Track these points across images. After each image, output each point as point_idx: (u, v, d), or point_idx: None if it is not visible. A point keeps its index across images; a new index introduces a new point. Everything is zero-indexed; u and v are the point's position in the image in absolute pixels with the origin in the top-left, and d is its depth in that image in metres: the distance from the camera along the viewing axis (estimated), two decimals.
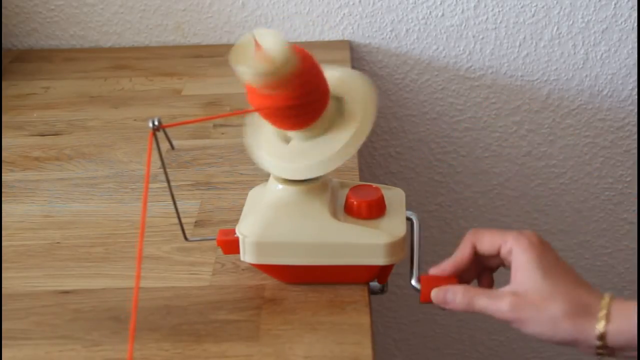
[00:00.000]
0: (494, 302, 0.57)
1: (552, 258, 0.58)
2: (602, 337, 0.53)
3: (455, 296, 0.59)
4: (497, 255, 0.61)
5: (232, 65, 0.52)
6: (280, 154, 0.59)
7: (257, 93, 0.55)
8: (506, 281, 0.59)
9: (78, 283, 0.63)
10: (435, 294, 0.60)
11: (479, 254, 0.62)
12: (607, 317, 0.54)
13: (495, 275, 0.66)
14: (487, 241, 0.61)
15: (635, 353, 0.54)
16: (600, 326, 0.53)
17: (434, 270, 0.62)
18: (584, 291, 0.56)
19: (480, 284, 0.64)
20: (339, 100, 0.59)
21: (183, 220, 0.61)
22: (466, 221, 1.30)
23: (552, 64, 1.18)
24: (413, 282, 0.61)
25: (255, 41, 0.53)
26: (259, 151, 0.60)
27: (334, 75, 0.58)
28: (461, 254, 0.62)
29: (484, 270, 0.64)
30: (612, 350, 0.54)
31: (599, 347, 0.54)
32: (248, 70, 0.52)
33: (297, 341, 0.55)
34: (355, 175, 0.77)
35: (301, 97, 0.54)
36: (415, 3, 1.13)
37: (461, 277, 0.62)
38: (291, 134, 0.58)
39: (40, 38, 1.16)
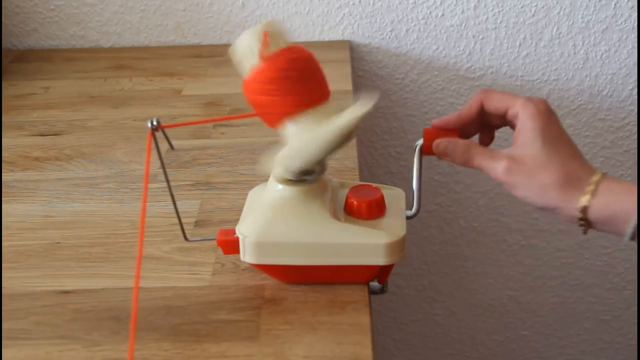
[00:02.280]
0: (491, 162, 0.59)
1: (555, 128, 0.59)
2: (584, 210, 0.56)
3: (456, 149, 0.61)
4: (503, 115, 0.62)
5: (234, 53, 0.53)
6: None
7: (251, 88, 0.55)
8: (507, 145, 0.60)
9: (78, 283, 0.63)
10: (437, 144, 0.62)
11: (486, 112, 0.63)
12: (593, 193, 0.55)
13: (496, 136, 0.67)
14: (496, 101, 0.62)
15: (610, 228, 0.56)
16: (584, 199, 0.55)
17: (438, 122, 0.63)
18: (578, 164, 0.58)
19: (481, 140, 0.66)
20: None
21: (183, 220, 0.61)
22: (466, 221, 1.30)
23: (552, 64, 1.18)
24: (418, 143, 0.63)
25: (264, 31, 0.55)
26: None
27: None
28: (468, 109, 0.63)
29: (487, 127, 0.65)
30: (590, 224, 0.56)
31: (579, 219, 0.56)
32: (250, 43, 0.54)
33: (297, 341, 0.55)
34: (355, 175, 0.77)
35: (280, 83, 0.55)
36: (415, 3, 1.14)
37: (464, 131, 0.63)
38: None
39: (40, 38, 1.16)
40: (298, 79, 0.56)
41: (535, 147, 0.58)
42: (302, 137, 0.56)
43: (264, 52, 0.55)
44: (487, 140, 0.66)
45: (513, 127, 0.61)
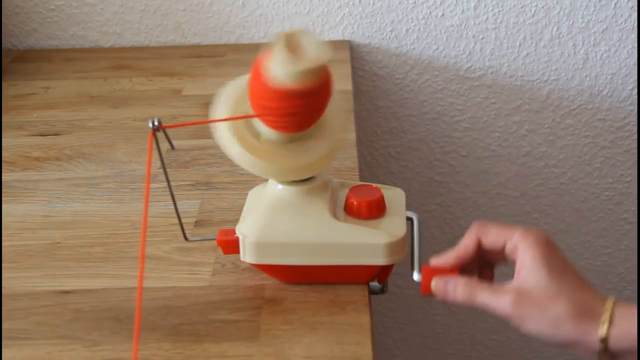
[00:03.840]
0: (496, 298, 0.56)
1: (558, 257, 0.57)
2: (604, 340, 0.52)
3: (457, 288, 0.57)
4: (502, 250, 0.59)
5: (265, 67, 0.52)
6: (256, 150, 0.58)
7: (265, 95, 0.55)
8: (506, 277, 0.58)
9: (78, 283, 0.63)
10: (436, 284, 0.59)
11: (483, 248, 0.60)
12: (610, 321, 0.53)
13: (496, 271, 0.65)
14: (493, 235, 0.59)
15: (635, 358, 0.53)
16: (603, 329, 0.53)
17: (436, 261, 0.61)
18: (588, 293, 0.55)
19: (480, 278, 0.63)
20: None
21: (183, 220, 0.61)
22: (466, 221, 1.30)
23: (552, 64, 1.18)
24: (415, 276, 0.60)
25: (289, 40, 0.52)
26: (234, 147, 0.58)
27: None
28: (465, 246, 0.60)
29: (485, 264, 0.63)
30: (612, 355, 0.53)
31: (600, 351, 0.53)
32: (287, 68, 0.52)
33: (297, 341, 0.55)
34: (355, 175, 0.77)
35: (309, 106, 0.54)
36: (415, 3, 1.14)
37: (462, 269, 0.61)
38: (267, 133, 0.57)
39: (40, 38, 1.16)
40: (310, 111, 0.55)
41: (542, 277, 0.55)
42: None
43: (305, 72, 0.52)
44: (485, 279, 0.63)
45: (512, 261, 0.59)
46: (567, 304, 0.54)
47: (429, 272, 0.60)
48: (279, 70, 0.52)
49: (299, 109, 0.54)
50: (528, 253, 0.56)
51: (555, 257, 0.56)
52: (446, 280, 0.58)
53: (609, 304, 0.54)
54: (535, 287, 0.55)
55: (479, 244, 0.60)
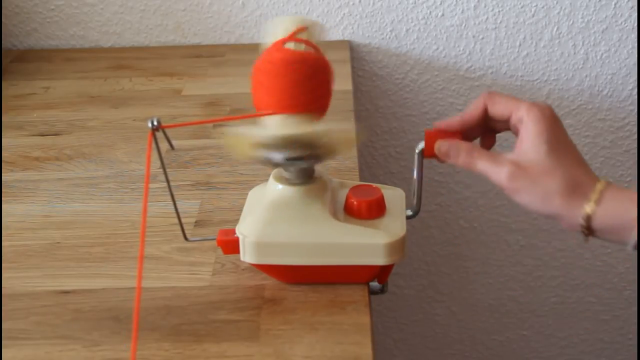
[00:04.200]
0: (494, 167, 0.58)
1: (559, 134, 0.58)
2: (587, 218, 0.55)
3: (459, 152, 0.60)
4: (507, 120, 0.61)
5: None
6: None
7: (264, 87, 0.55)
8: (507, 146, 0.60)
9: (78, 283, 0.63)
10: (439, 145, 0.61)
11: (489, 116, 0.62)
12: (597, 201, 0.55)
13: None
14: (501, 105, 0.61)
15: (613, 237, 0.55)
16: (588, 208, 0.55)
17: (439, 124, 0.62)
18: (582, 172, 0.57)
19: (482, 144, 0.65)
20: None
21: (183, 220, 0.61)
22: (466, 221, 1.30)
23: (552, 64, 1.18)
24: (419, 146, 0.62)
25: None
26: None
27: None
28: (471, 112, 0.62)
29: (489, 131, 0.64)
30: (592, 232, 0.56)
31: (582, 227, 0.55)
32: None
33: (297, 341, 0.55)
34: (355, 175, 0.77)
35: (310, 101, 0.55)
36: (415, 3, 1.14)
37: (466, 134, 0.62)
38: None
39: (40, 38, 1.16)
40: (306, 79, 0.55)
41: (540, 153, 0.57)
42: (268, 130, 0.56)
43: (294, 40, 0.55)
44: (488, 144, 0.65)
45: (516, 132, 0.60)
46: (560, 180, 0.56)
47: (432, 135, 0.61)
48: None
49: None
50: (532, 127, 0.58)
51: (557, 133, 0.58)
52: (450, 143, 0.60)
53: (600, 185, 0.56)
54: (532, 161, 0.57)
55: (485, 112, 0.62)
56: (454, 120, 0.62)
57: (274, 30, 0.57)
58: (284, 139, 0.55)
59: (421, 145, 0.63)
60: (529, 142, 0.58)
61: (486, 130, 0.64)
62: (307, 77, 0.56)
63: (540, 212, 0.57)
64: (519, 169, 0.57)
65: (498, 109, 0.61)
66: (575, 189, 0.56)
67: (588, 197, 0.55)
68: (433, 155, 0.62)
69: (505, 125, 0.62)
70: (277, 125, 0.56)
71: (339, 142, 0.56)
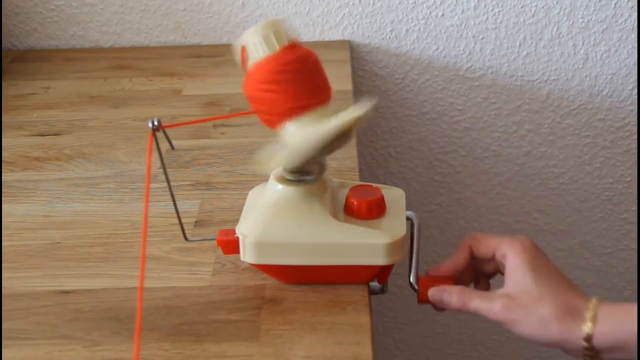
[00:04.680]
0: (487, 303, 0.59)
1: (543, 262, 0.60)
2: (588, 338, 0.55)
3: (451, 296, 0.61)
4: (493, 259, 0.63)
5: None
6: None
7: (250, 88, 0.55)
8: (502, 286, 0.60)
9: (78, 283, 0.63)
10: (432, 293, 0.62)
11: (476, 258, 0.64)
12: (594, 319, 0.55)
13: (493, 282, 0.67)
14: (483, 245, 0.63)
15: (620, 355, 0.55)
16: (587, 328, 0.55)
17: (432, 272, 0.64)
18: (573, 294, 0.57)
19: (477, 289, 0.66)
20: None
21: (183, 220, 0.61)
22: (466, 221, 1.30)
23: (552, 64, 1.18)
24: (411, 280, 0.63)
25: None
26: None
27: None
28: (458, 257, 0.64)
29: (481, 276, 0.66)
30: (597, 352, 0.55)
31: (585, 349, 0.55)
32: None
33: (297, 341, 0.55)
34: (355, 175, 0.77)
35: (291, 100, 0.55)
36: (415, 3, 1.14)
37: (458, 281, 0.64)
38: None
39: (40, 38, 1.16)
40: (300, 77, 0.56)
41: (528, 282, 0.58)
42: (299, 136, 0.56)
43: (267, 49, 0.55)
44: (482, 289, 0.66)
45: (503, 268, 0.62)
46: (552, 305, 0.56)
47: (426, 282, 0.63)
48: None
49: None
50: (515, 260, 0.59)
51: (540, 261, 0.59)
52: (442, 289, 0.61)
53: (592, 303, 0.56)
54: (522, 291, 0.58)
55: (471, 255, 0.64)
56: (444, 267, 0.64)
57: (251, 41, 0.56)
58: (349, 123, 0.55)
59: (413, 279, 0.63)
60: (514, 274, 0.59)
61: (478, 276, 0.66)
62: (318, 69, 0.57)
63: (542, 341, 0.57)
64: (510, 300, 0.58)
65: (482, 249, 0.63)
66: (569, 311, 0.56)
67: (584, 317, 0.55)
68: (427, 302, 0.63)
69: (492, 265, 0.64)
70: (307, 125, 0.56)
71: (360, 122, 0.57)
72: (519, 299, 0.57)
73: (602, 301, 0.56)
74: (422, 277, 0.63)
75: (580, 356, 0.56)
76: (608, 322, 0.55)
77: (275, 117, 0.56)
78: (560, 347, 0.57)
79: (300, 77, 0.56)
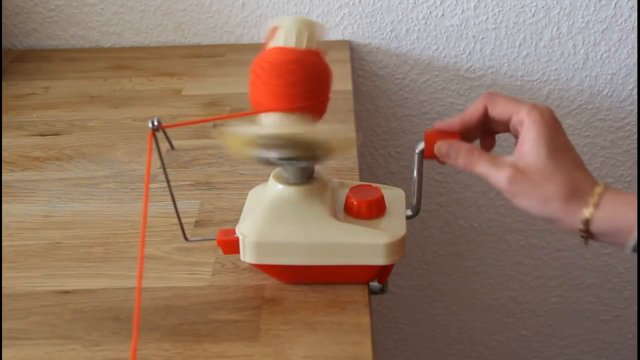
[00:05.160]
0: (494, 170, 0.58)
1: (559, 138, 0.58)
2: (586, 222, 0.55)
3: (459, 153, 0.60)
4: (507, 122, 0.61)
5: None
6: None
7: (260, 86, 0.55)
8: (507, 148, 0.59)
9: (78, 283, 0.63)
10: (439, 146, 0.61)
11: (489, 117, 0.62)
12: (596, 205, 0.55)
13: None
14: (501, 106, 0.60)
15: (612, 239, 0.55)
16: (587, 212, 0.55)
17: (439, 125, 0.62)
18: (582, 176, 0.57)
19: (482, 145, 0.65)
20: None
21: (183, 220, 0.61)
22: (466, 221, 1.30)
23: (552, 64, 1.18)
24: (418, 146, 0.62)
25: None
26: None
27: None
28: (471, 113, 0.62)
29: (489, 132, 0.64)
30: (591, 235, 0.56)
31: (581, 230, 0.56)
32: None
33: (297, 341, 0.55)
34: (355, 175, 0.77)
35: (306, 100, 0.55)
36: (415, 3, 1.14)
37: (465, 135, 0.62)
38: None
39: (40, 38, 1.16)
40: (304, 80, 0.55)
41: (540, 156, 0.57)
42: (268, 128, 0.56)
43: (294, 42, 0.55)
44: (488, 145, 0.65)
45: (516, 134, 0.60)
46: (559, 185, 0.56)
47: (432, 136, 0.61)
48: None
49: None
50: (532, 130, 0.57)
51: (557, 137, 0.58)
52: (449, 143, 0.60)
53: (599, 189, 0.56)
54: (532, 165, 0.57)
55: (485, 113, 0.61)
56: (453, 121, 0.62)
57: (276, 30, 0.57)
58: (278, 137, 0.55)
59: (421, 145, 0.62)
60: (528, 145, 0.57)
61: (486, 132, 0.64)
62: (305, 79, 0.56)
63: (539, 216, 0.57)
64: (518, 172, 0.57)
65: (498, 111, 0.61)
66: (574, 193, 0.56)
67: (587, 201, 0.55)
68: (433, 156, 0.62)
69: (505, 127, 0.62)
70: (273, 124, 0.57)
71: (336, 144, 0.56)
72: (528, 173, 0.56)
73: (608, 188, 0.56)
74: (429, 132, 0.62)
75: (573, 233, 0.57)
76: (608, 209, 0.54)
77: (266, 103, 0.56)
78: (556, 224, 0.57)
79: (306, 79, 0.56)
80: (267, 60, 0.56)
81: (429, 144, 0.62)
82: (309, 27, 0.57)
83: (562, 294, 1.37)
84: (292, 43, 0.56)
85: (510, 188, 0.57)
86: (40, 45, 1.17)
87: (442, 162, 0.62)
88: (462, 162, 0.60)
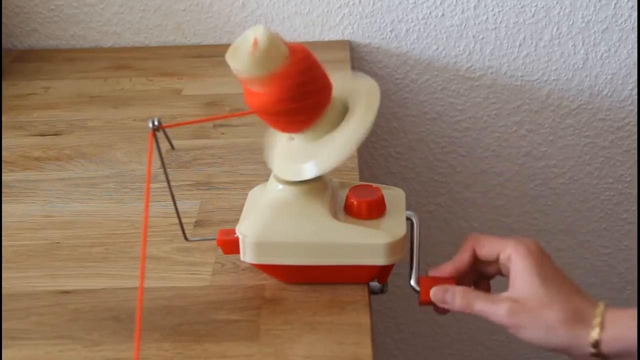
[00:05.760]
0: (492, 307, 0.58)
1: (549, 266, 0.59)
2: (596, 344, 0.54)
3: (454, 297, 0.60)
4: (496, 261, 0.62)
5: (227, 61, 0.53)
6: (283, 154, 0.59)
7: (253, 93, 0.55)
8: (502, 290, 0.60)
9: (78, 283, 0.63)
10: (435, 292, 0.61)
11: (478, 259, 0.63)
12: (602, 325, 0.54)
13: (492, 283, 0.67)
14: (487, 247, 0.62)
15: (630, 358, 0.54)
16: (594, 334, 0.54)
17: (433, 272, 0.63)
18: (580, 299, 0.57)
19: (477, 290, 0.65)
20: (344, 103, 0.59)
21: (183, 220, 0.61)
22: (466, 221, 1.30)
23: (552, 64, 1.18)
24: (412, 282, 0.62)
25: (254, 39, 0.53)
26: (271, 150, 0.60)
27: (340, 80, 0.59)
28: (461, 258, 0.63)
29: (482, 277, 0.65)
30: (605, 358, 0.55)
31: (593, 355, 0.55)
32: (238, 64, 0.52)
33: (297, 341, 0.55)
34: (355, 175, 0.77)
35: (297, 99, 0.54)
36: (415, 3, 1.13)
37: (459, 281, 0.63)
38: (294, 134, 0.58)
39: (40, 38, 1.16)
40: (307, 80, 0.55)
41: (535, 286, 0.57)
42: (320, 145, 0.56)
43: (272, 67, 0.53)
44: (483, 290, 0.65)
45: (506, 271, 0.61)
46: (560, 311, 0.55)
47: (427, 282, 0.62)
48: (234, 66, 0.55)
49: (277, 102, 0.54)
50: (521, 263, 0.58)
51: (546, 266, 0.58)
52: (445, 288, 0.61)
53: (600, 309, 0.55)
54: (529, 296, 0.57)
55: (474, 256, 0.63)
56: (446, 267, 0.63)
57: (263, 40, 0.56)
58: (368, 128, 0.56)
59: (414, 282, 0.62)
60: (520, 277, 0.58)
61: (479, 277, 0.65)
62: (320, 67, 0.57)
63: (548, 347, 0.57)
64: (517, 304, 0.57)
65: (486, 251, 0.62)
66: (576, 316, 0.55)
67: (591, 323, 0.55)
68: (429, 302, 0.62)
69: (495, 268, 0.63)
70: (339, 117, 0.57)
71: None
72: (526, 303, 0.56)
73: (609, 306, 0.56)
74: (424, 278, 0.62)
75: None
76: (615, 328, 0.54)
77: (291, 126, 0.56)
78: (567, 353, 0.57)
79: (313, 90, 0.55)
80: (276, 100, 0.54)
81: (424, 290, 0.62)
82: (274, 40, 0.54)
83: None
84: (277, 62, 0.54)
85: (511, 320, 0.57)
86: (40, 45, 1.17)
87: (441, 311, 0.62)
88: (459, 303, 0.60)
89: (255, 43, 0.53)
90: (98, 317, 0.59)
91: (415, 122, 1.22)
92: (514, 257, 0.59)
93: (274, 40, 0.53)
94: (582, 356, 0.56)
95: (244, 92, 0.56)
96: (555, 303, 0.56)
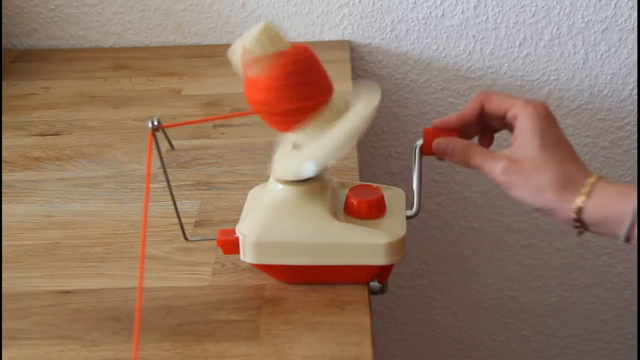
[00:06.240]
0: (489, 162, 0.59)
1: (553, 130, 0.59)
2: (579, 211, 0.56)
3: (455, 149, 0.61)
4: (503, 117, 0.62)
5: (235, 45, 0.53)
6: (283, 154, 0.59)
7: (253, 82, 0.55)
8: (507, 145, 0.61)
9: (78, 283, 0.63)
10: (437, 143, 0.62)
11: (486, 113, 0.63)
12: (588, 194, 0.56)
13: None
14: (496, 102, 0.62)
15: (605, 230, 0.56)
16: (579, 200, 0.56)
17: (437, 122, 0.64)
18: (574, 166, 0.58)
19: (480, 143, 0.66)
20: (345, 104, 0.59)
21: (183, 220, 0.61)
22: (466, 221, 1.30)
23: (552, 64, 1.18)
24: (417, 143, 0.64)
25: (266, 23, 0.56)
26: (277, 152, 0.60)
27: (343, 87, 0.59)
28: (468, 110, 0.63)
29: (486, 130, 0.66)
30: (585, 225, 0.57)
31: (574, 220, 0.57)
32: (248, 41, 0.56)
33: (297, 341, 0.55)
34: (355, 175, 0.77)
35: (296, 87, 0.54)
36: (415, 3, 1.14)
37: (463, 132, 0.64)
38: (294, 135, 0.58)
39: (40, 38, 1.16)
40: (307, 81, 0.55)
41: (533, 148, 0.58)
42: (316, 141, 0.56)
43: (267, 56, 0.55)
44: (486, 143, 0.67)
45: (512, 129, 0.62)
46: (551, 174, 0.57)
47: (431, 134, 0.63)
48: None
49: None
50: (525, 123, 0.59)
51: (550, 129, 0.59)
52: (446, 140, 0.62)
53: (591, 179, 0.56)
54: (525, 156, 0.58)
55: (482, 110, 0.63)
56: (451, 118, 0.64)
57: (255, 42, 0.56)
58: (365, 121, 0.57)
59: (420, 142, 0.63)
60: (522, 137, 0.59)
61: (484, 129, 0.65)
62: (319, 64, 0.57)
63: (533, 206, 0.58)
64: (512, 163, 0.58)
65: (494, 106, 0.62)
66: (566, 182, 0.57)
67: (579, 191, 0.56)
68: (431, 153, 0.63)
69: (501, 123, 0.63)
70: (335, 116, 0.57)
71: None
72: (520, 163, 0.58)
73: (601, 179, 0.56)
74: (428, 129, 0.63)
75: (567, 224, 0.58)
76: (600, 199, 0.55)
77: (287, 122, 0.56)
78: (551, 215, 0.58)
79: (307, 81, 0.56)
80: (299, 60, 0.55)
81: (428, 141, 0.63)
82: (271, 31, 0.56)
83: (562, 294, 1.37)
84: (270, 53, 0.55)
85: (504, 179, 0.58)
86: (40, 45, 1.17)
87: (441, 159, 0.63)
88: (459, 156, 0.61)
89: (267, 25, 0.55)
90: (98, 317, 0.59)
91: (415, 122, 1.22)
92: (521, 116, 0.59)
93: (281, 30, 0.55)
94: (564, 219, 0.57)
95: (244, 86, 0.56)
96: (549, 167, 0.57)
